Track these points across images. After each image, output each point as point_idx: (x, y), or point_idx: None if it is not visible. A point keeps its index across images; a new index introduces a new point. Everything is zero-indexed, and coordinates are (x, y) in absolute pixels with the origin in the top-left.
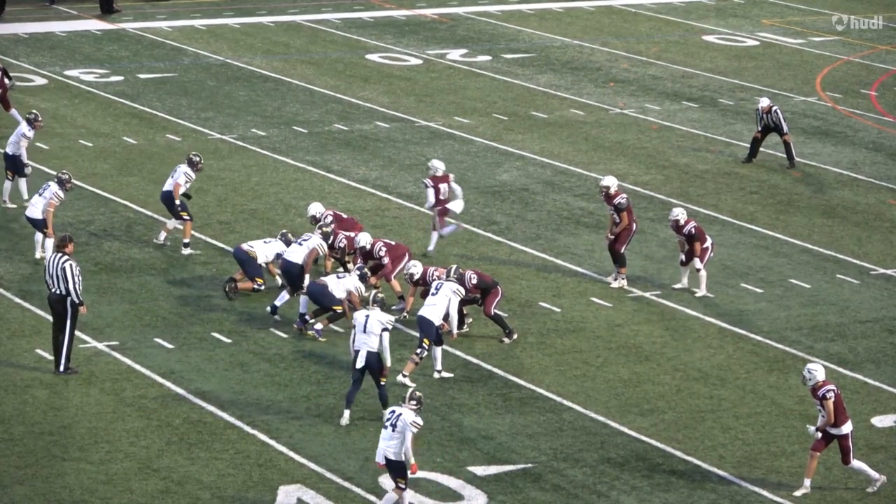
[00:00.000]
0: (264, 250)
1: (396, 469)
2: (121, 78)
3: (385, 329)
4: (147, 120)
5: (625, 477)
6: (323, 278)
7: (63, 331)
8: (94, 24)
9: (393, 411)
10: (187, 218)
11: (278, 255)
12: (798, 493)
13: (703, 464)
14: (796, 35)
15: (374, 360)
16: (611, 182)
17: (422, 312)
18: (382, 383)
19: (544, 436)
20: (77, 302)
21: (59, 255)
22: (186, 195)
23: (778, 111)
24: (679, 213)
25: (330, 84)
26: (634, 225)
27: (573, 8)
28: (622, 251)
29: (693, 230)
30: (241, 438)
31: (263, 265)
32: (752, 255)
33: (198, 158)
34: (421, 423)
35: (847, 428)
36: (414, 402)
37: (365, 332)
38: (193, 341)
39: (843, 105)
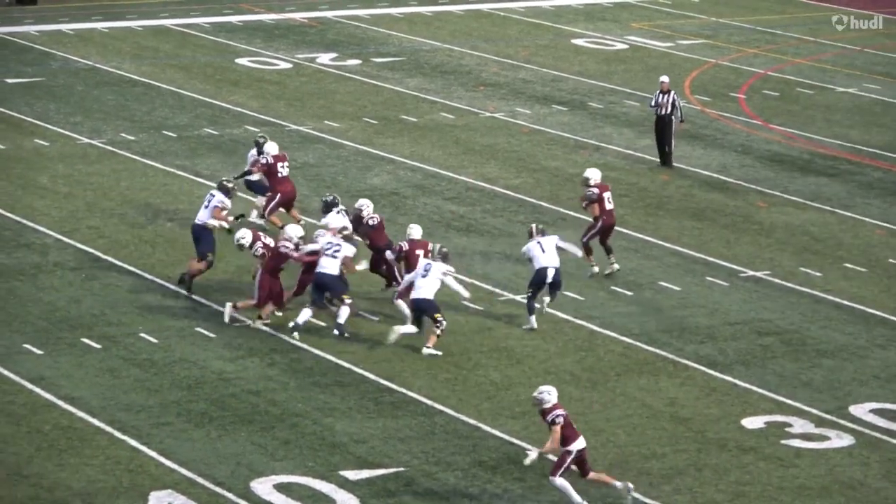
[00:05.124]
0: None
1: None
2: None
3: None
4: (15, 125)
5: (497, 480)
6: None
7: None
8: None
9: None
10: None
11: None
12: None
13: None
14: (665, 38)
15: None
16: (590, 174)
17: (416, 295)
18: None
19: (416, 439)
20: None
21: None
22: (228, 230)
23: (675, 96)
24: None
25: (199, 88)
26: (601, 221)
27: (442, 12)
28: (584, 240)
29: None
30: (112, 444)
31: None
32: (622, 258)
33: (231, 185)
34: None
35: (581, 444)
36: None
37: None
38: (63, 347)
39: (712, 108)
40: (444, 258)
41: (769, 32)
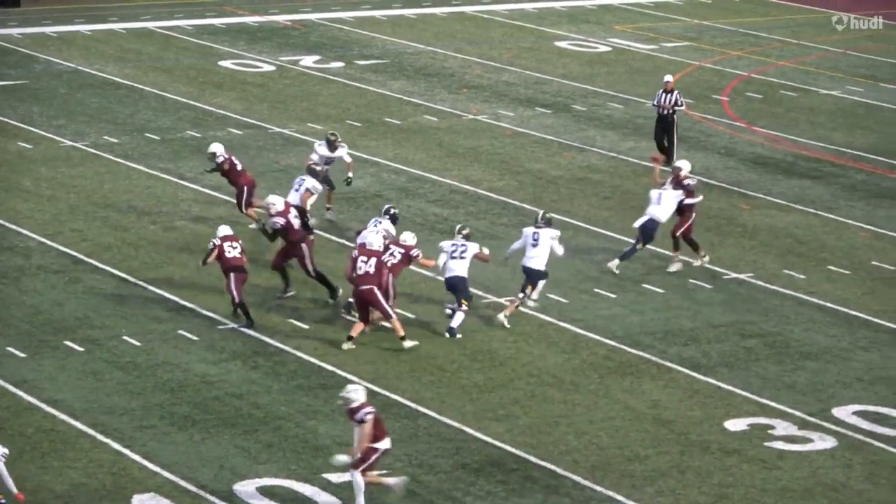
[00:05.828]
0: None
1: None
2: None
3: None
4: None
5: (480, 483)
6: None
7: None
8: None
9: None
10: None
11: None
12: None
13: (558, 469)
14: (648, 41)
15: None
16: (683, 165)
17: (526, 263)
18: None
19: (399, 442)
20: None
21: None
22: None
23: (678, 94)
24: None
25: (182, 91)
26: (695, 212)
27: (426, 14)
28: (691, 237)
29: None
30: (95, 447)
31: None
32: (606, 261)
33: (320, 168)
34: (7, 451)
35: (387, 444)
36: None
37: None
38: (46, 350)
39: (696, 110)
40: (549, 223)
41: (752, 35)
